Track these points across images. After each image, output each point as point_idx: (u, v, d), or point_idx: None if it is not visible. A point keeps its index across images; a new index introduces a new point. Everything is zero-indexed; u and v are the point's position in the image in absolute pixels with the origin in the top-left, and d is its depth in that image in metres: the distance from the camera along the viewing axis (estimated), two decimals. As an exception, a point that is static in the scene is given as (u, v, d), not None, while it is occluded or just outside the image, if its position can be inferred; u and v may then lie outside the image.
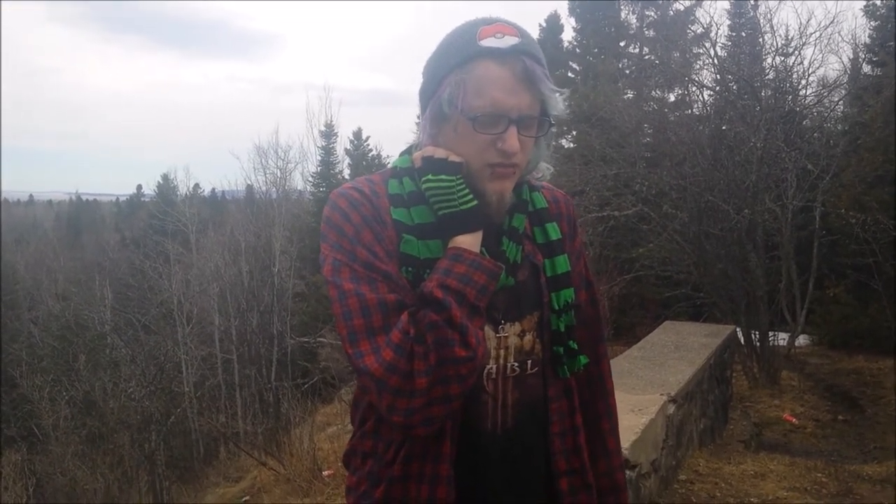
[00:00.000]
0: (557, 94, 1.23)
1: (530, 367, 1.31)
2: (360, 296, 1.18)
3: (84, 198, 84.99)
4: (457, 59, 1.20)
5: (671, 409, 4.29)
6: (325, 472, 6.83)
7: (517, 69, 1.19)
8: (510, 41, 1.19)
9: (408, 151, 1.35)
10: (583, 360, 1.36)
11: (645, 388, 4.39)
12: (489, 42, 1.19)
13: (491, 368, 1.27)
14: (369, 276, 1.20)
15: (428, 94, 1.26)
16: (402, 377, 1.13)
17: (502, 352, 1.28)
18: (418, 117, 1.33)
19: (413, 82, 1.32)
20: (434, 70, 1.25)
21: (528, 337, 1.31)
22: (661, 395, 4.24)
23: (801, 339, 11.16)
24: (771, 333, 9.13)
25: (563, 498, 1.35)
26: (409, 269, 1.22)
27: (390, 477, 1.27)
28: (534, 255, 1.34)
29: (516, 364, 1.30)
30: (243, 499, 8.36)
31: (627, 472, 3.30)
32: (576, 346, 1.35)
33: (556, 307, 1.33)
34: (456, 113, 1.20)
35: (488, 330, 1.27)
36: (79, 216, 63.89)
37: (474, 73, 1.19)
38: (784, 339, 9.75)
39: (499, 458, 1.29)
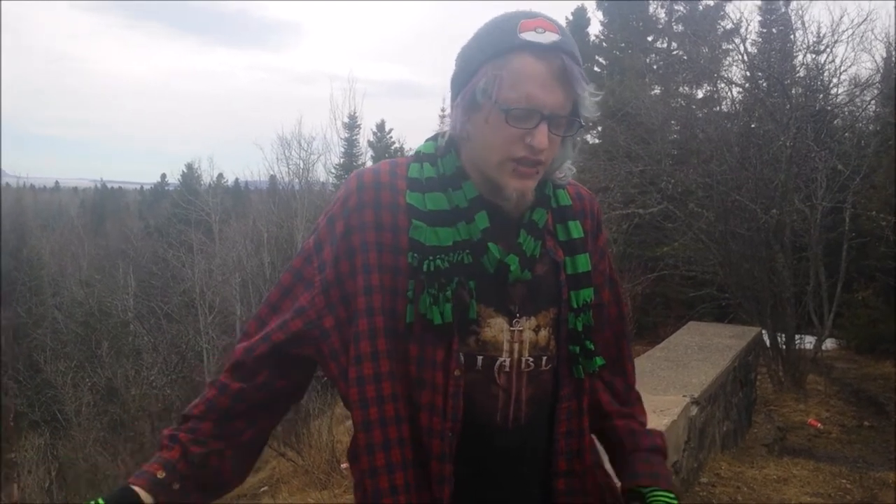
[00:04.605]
0: (591, 96, 1.22)
1: (545, 363, 1.30)
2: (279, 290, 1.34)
3: (109, 185, 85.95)
4: (495, 49, 1.19)
5: (693, 410, 4.26)
6: (343, 465, 6.86)
7: (555, 66, 1.17)
8: (551, 37, 1.18)
9: (433, 138, 1.35)
10: (598, 361, 1.34)
11: (667, 388, 4.36)
12: (529, 36, 1.17)
13: (504, 361, 1.26)
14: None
15: (461, 82, 1.24)
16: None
17: (517, 345, 1.27)
18: (442, 110, 1.31)
19: (436, 74, 1.32)
20: (470, 58, 1.23)
21: (544, 333, 1.30)
22: (684, 396, 4.22)
23: (828, 343, 11.04)
24: (797, 336, 9.04)
25: (557, 497, 1.34)
26: (415, 255, 1.22)
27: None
28: (555, 252, 1.33)
29: (531, 359, 1.28)
30: (262, 489, 8.42)
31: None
32: (593, 347, 1.33)
33: (575, 305, 1.31)
34: (490, 103, 1.18)
35: (502, 322, 1.26)
36: (103, 204, 64.61)
37: (512, 66, 1.17)
38: (810, 343, 9.64)
39: (505, 452, 1.28)
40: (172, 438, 1.28)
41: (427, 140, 1.36)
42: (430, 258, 1.21)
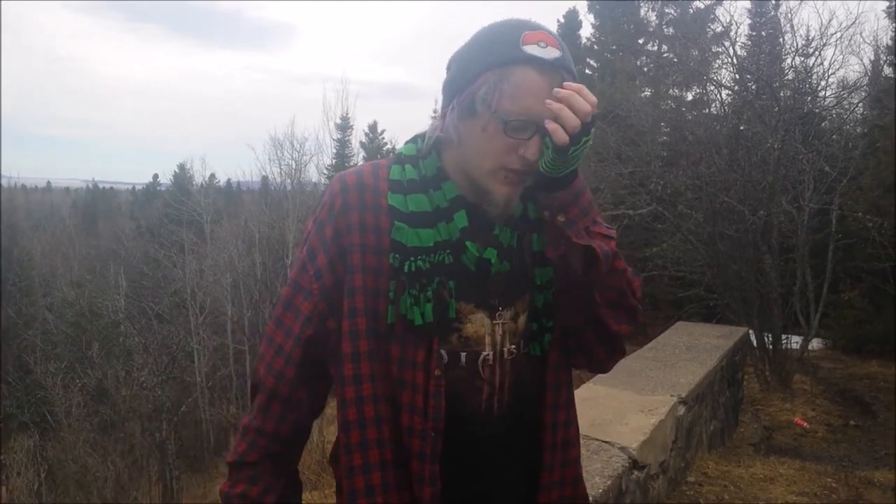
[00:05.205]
0: None
1: (523, 346, 1.32)
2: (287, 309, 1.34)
3: (101, 186, 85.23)
4: (497, 58, 1.19)
5: (681, 410, 4.27)
6: (334, 466, 6.86)
7: (555, 82, 1.18)
8: (553, 53, 1.19)
9: (413, 140, 1.35)
10: (547, 338, 1.34)
11: (655, 388, 4.36)
12: (533, 50, 1.18)
13: (488, 355, 1.28)
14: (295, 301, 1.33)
15: (457, 87, 1.24)
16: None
17: (499, 337, 1.29)
18: (434, 111, 1.31)
19: (431, 76, 1.31)
20: (469, 64, 1.23)
21: (522, 318, 1.32)
22: (672, 396, 4.22)
23: (815, 343, 11.08)
24: (784, 336, 9.08)
25: (544, 471, 1.36)
26: (396, 255, 1.24)
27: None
28: (523, 234, 1.34)
29: (513, 346, 1.30)
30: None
31: (636, 472, 3.29)
32: (550, 324, 1.33)
33: (539, 283, 1.32)
34: (489, 112, 1.19)
35: (484, 317, 1.28)
36: (95, 204, 64.20)
37: (514, 78, 1.18)
38: (797, 343, 9.69)
39: (489, 441, 1.30)
40: (244, 497, 1.32)
41: (407, 142, 1.37)
42: (412, 259, 1.23)
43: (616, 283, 1.30)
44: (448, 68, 1.28)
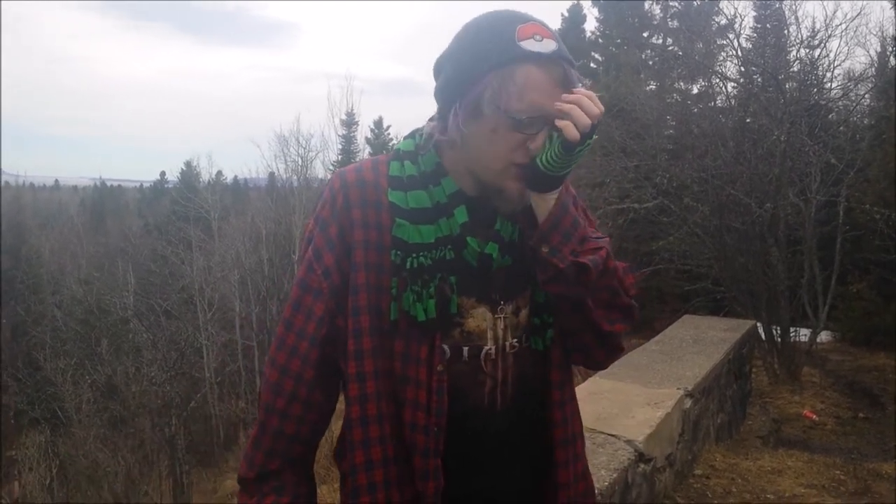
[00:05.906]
0: None
1: (524, 341, 1.32)
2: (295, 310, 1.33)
3: (108, 184, 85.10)
4: (496, 58, 1.18)
5: (688, 403, 4.27)
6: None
7: (556, 75, 1.19)
8: (550, 45, 1.18)
9: (411, 135, 1.35)
10: (549, 333, 1.34)
11: (661, 381, 4.36)
12: (530, 45, 1.17)
13: (490, 349, 1.28)
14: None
15: (457, 89, 1.23)
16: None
17: (500, 332, 1.29)
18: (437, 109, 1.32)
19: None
20: (466, 65, 1.21)
21: (524, 313, 1.32)
22: (678, 389, 4.22)
23: (823, 336, 11.03)
24: (792, 329, 9.04)
25: (560, 468, 1.36)
26: (398, 252, 1.23)
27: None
28: (525, 227, 1.32)
29: (515, 341, 1.31)
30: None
31: (642, 465, 3.30)
32: (550, 320, 1.33)
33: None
34: (498, 113, 1.18)
35: (486, 312, 1.28)
36: (103, 202, 64.29)
37: (516, 77, 1.17)
38: (805, 335, 9.65)
39: (493, 436, 1.30)
40: None
41: (405, 138, 1.36)
42: (413, 255, 1.23)
43: (607, 283, 1.29)
44: (438, 71, 1.27)
